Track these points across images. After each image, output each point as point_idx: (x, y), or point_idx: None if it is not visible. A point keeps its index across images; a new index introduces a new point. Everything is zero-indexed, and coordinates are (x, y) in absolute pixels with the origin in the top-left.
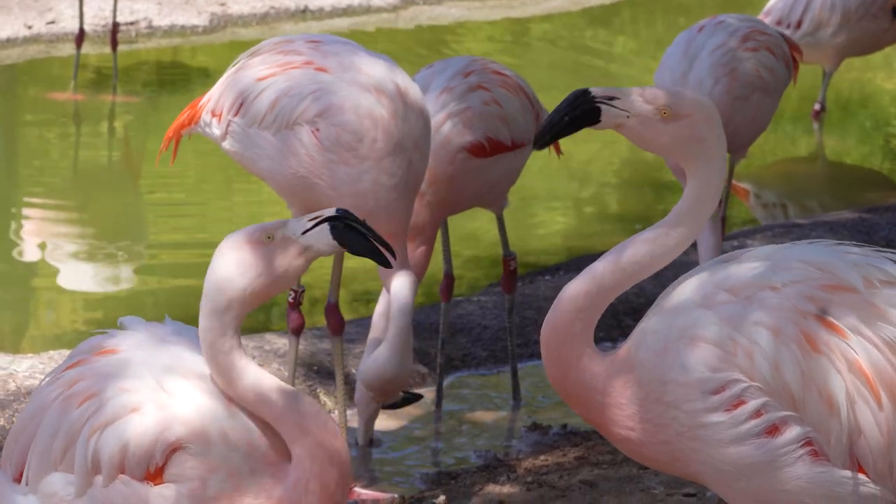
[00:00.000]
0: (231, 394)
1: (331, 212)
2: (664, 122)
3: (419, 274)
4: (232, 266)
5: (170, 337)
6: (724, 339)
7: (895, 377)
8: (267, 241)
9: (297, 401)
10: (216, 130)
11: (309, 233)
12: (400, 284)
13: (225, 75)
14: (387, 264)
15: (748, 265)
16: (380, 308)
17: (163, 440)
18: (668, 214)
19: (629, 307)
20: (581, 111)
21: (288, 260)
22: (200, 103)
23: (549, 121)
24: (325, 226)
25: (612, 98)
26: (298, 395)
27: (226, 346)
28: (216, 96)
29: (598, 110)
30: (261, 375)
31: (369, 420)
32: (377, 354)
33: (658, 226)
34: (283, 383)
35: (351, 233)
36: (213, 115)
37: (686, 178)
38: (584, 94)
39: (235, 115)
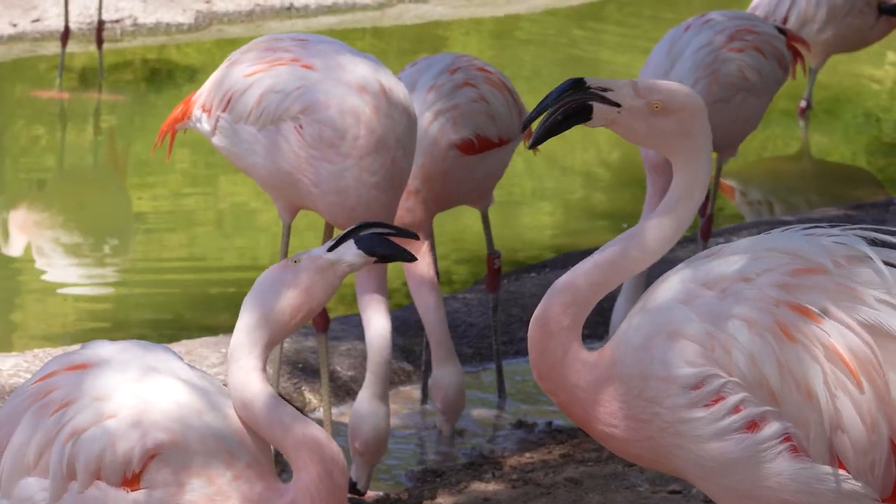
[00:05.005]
0: (243, 415)
1: (351, 227)
2: (655, 116)
3: (431, 267)
4: (266, 286)
5: (138, 352)
6: (701, 335)
7: (874, 360)
8: (294, 264)
9: (307, 431)
10: (206, 126)
11: (334, 250)
12: (375, 323)
13: (215, 71)
14: (412, 259)
15: (725, 259)
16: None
17: (141, 447)
18: (657, 208)
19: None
20: (573, 109)
21: (315, 276)
22: (193, 98)
23: (542, 119)
24: (350, 241)
25: (605, 90)
26: (309, 424)
27: (247, 364)
28: (206, 92)
29: (590, 108)
30: (275, 405)
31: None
32: (357, 407)
33: (646, 220)
34: (296, 412)
35: (374, 239)
36: (204, 110)
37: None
38: (579, 83)
39: (223, 110)
